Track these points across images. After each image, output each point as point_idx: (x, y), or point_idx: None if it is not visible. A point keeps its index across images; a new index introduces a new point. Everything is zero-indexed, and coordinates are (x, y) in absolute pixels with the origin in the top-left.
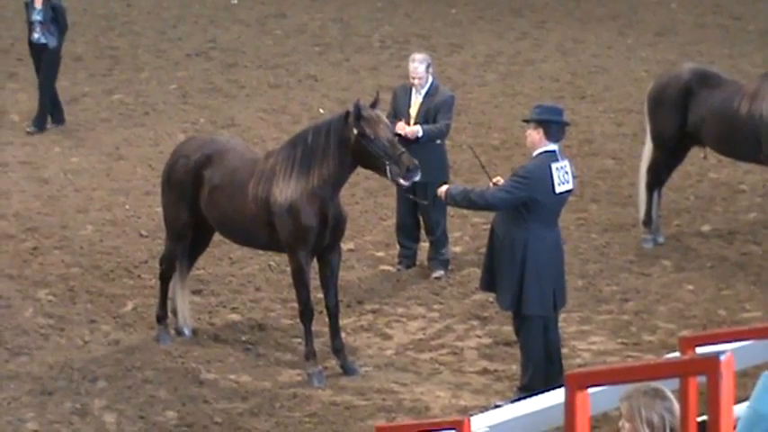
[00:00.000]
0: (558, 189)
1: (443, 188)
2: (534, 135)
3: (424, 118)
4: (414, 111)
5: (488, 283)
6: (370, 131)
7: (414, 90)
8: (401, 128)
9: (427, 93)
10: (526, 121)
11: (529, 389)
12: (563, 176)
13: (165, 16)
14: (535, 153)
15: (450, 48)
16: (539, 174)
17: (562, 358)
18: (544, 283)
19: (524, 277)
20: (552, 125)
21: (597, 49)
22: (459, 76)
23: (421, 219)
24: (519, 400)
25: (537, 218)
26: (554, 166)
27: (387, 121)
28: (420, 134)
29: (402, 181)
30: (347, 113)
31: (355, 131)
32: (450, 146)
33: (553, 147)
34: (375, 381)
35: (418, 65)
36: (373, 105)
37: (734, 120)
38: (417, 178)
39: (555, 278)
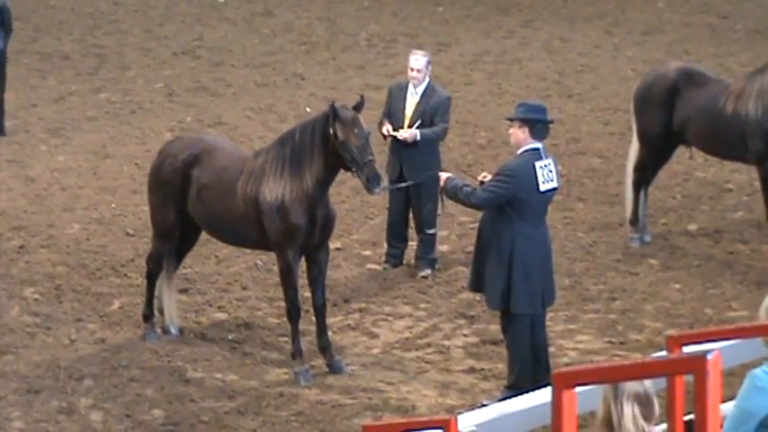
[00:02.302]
0: (543, 187)
1: (444, 175)
2: (519, 134)
3: (419, 118)
4: (410, 110)
5: (476, 284)
6: (342, 135)
7: (410, 88)
8: (395, 131)
9: (424, 92)
10: (510, 119)
11: (516, 387)
12: (547, 175)
13: (151, 15)
14: (519, 151)
15: (437, 46)
16: (522, 172)
17: (549, 357)
18: (532, 281)
19: (512, 276)
20: (537, 124)
21: (584, 48)
22: (446, 75)
23: (412, 217)
24: (506, 398)
25: (523, 216)
26: (538, 164)
27: (363, 125)
28: (418, 138)
29: (367, 191)
30: (331, 106)
31: (331, 131)
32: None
33: (537, 145)
34: (362, 379)
35: (419, 57)
36: (357, 108)
37: (720, 119)
38: (378, 191)
39: (543, 276)
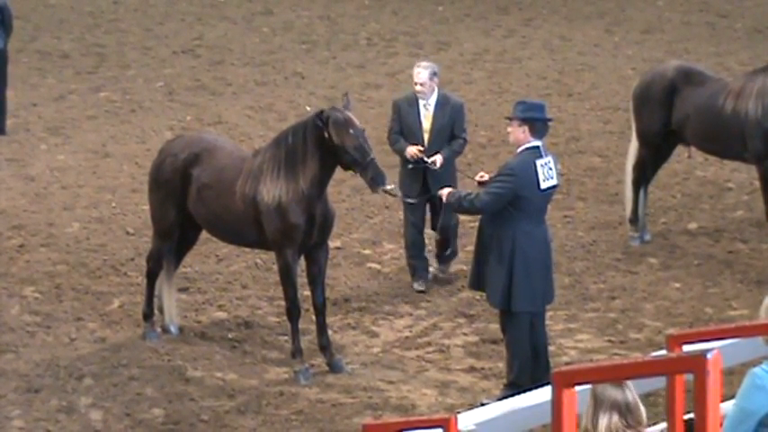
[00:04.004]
0: (543, 185)
1: (446, 191)
2: (518, 133)
3: (437, 131)
4: (427, 124)
5: (477, 282)
6: (337, 139)
7: (420, 101)
8: (416, 153)
9: (437, 103)
10: (509, 118)
11: (515, 386)
12: (547, 172)
13: (151, 13)
14: (519, 150)
15: (436, 45)
16: (523, 170)
17: (549, 356)
18: (533, 279)
19: (513, 274)
20: (536, 122)
21: (584, 47)
22: (446, 74)
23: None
24: (505, 397)
25: (524, 214)
26: (538, 162)
27: (356, 125)
28: (440, 160)
29: (371, 191)
30: (319, 115)
31: (326, 136)
32: None
33: (537, 143)
34: (362, 378)
35: (421, 70)
36: (346, 107)
37: (719, 117)
38: (384, 187)
39: (543, 274)
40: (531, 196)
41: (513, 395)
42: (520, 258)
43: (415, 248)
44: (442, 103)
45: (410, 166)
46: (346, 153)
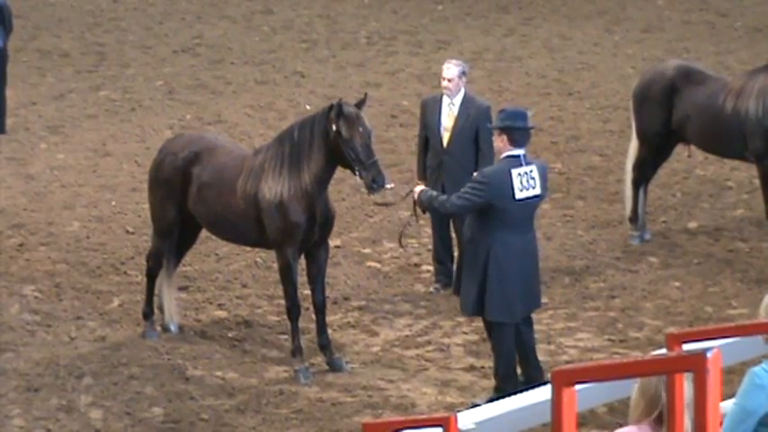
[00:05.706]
0: (519, 195)
1: (417, 189)
2: (498, 141)
3: (458, 132)
4: (448, 123)
5: (459, 288)
6: (346, 132)
7: (444, 99)
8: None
9: (461, 104)
10: (492, 127)
11: (500, 390)
12: (526, 182)
13: (151, 12)
14: (500, 158)
15: (436, 44)
16: (496, 179)
17: (537, 355)
18: (508, 289)
19: (486, 283)
20: (515, 131)
21: (584, 46)
22: None
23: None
24: (493, 400)
25: (500, 224)
26: (515, 171)
27: (367, 123)
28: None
29: (368, 191)
30: (330, 107)
31: (334, 128)
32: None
33: (517, 152)
34: (361, 377)
35: (452, 66)
36: (359, 105)
37: (719, 117)
38: (382, 190)
39: (522, 284)
40: (506, 206)
41: (501, 398)
42: (494, 268)
43: (437, 252)
44: (466, 105)
45: (428, 171)
46: (352, 149)
